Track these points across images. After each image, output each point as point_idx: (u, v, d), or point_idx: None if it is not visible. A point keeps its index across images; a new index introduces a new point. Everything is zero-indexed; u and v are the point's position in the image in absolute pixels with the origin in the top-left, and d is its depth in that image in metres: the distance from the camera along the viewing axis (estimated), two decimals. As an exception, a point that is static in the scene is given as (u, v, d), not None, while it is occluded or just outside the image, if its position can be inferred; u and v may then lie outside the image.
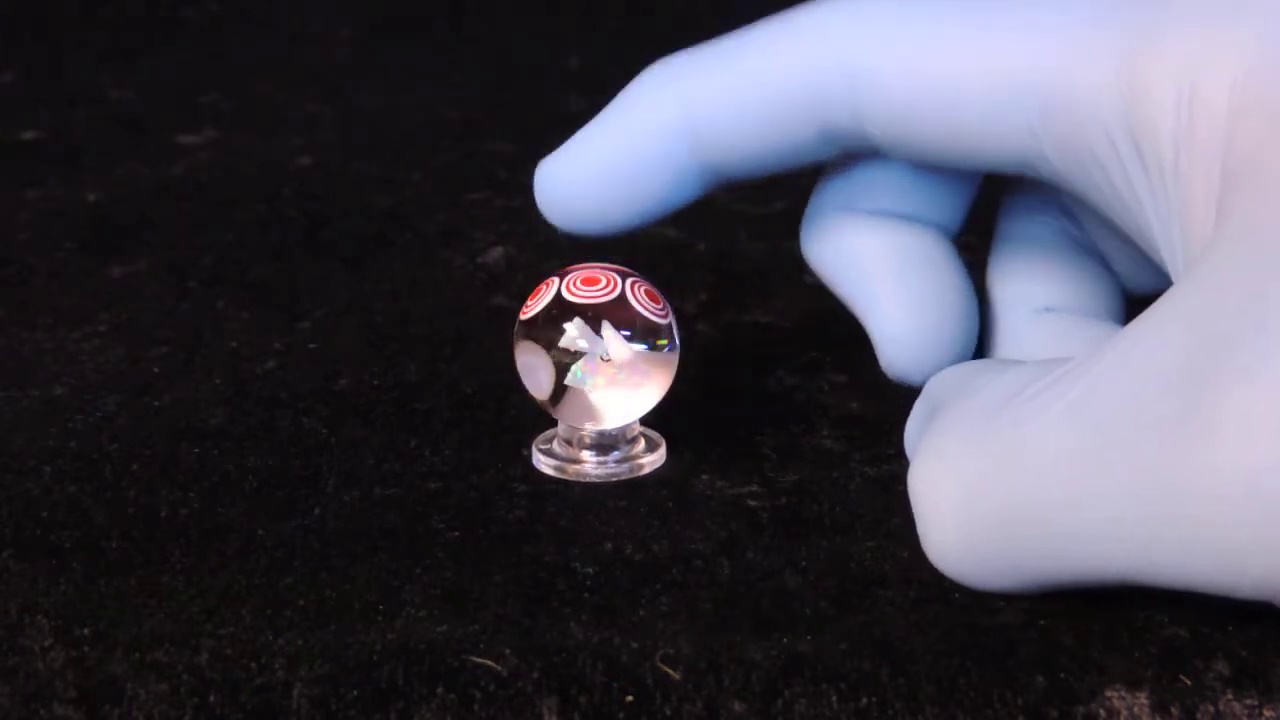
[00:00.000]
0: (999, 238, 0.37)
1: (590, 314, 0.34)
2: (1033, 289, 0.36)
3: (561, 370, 0.34)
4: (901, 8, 0.33)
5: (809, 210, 0.37)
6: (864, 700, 0.28)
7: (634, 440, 0.35)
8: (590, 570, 0.32)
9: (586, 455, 0.35)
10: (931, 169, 0.35)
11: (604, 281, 0.34)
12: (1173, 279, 0.31)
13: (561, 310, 0.34)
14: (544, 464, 0.35)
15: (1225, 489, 0.27)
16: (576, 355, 0.34)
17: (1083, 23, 0.31)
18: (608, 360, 0.34)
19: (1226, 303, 0.27)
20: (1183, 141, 0.30)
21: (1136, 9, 0.31)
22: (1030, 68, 0.31)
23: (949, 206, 0.36)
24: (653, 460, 0.35)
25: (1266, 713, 0.28)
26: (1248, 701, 0.28)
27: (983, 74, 0.32)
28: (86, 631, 0.30)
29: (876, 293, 0.35)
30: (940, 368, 0.35)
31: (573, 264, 0.35)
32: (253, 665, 0.29)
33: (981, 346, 0.36)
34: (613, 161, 0.35)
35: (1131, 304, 0.37)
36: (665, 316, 0.34)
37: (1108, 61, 0.31)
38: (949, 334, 0.35)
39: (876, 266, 0.36)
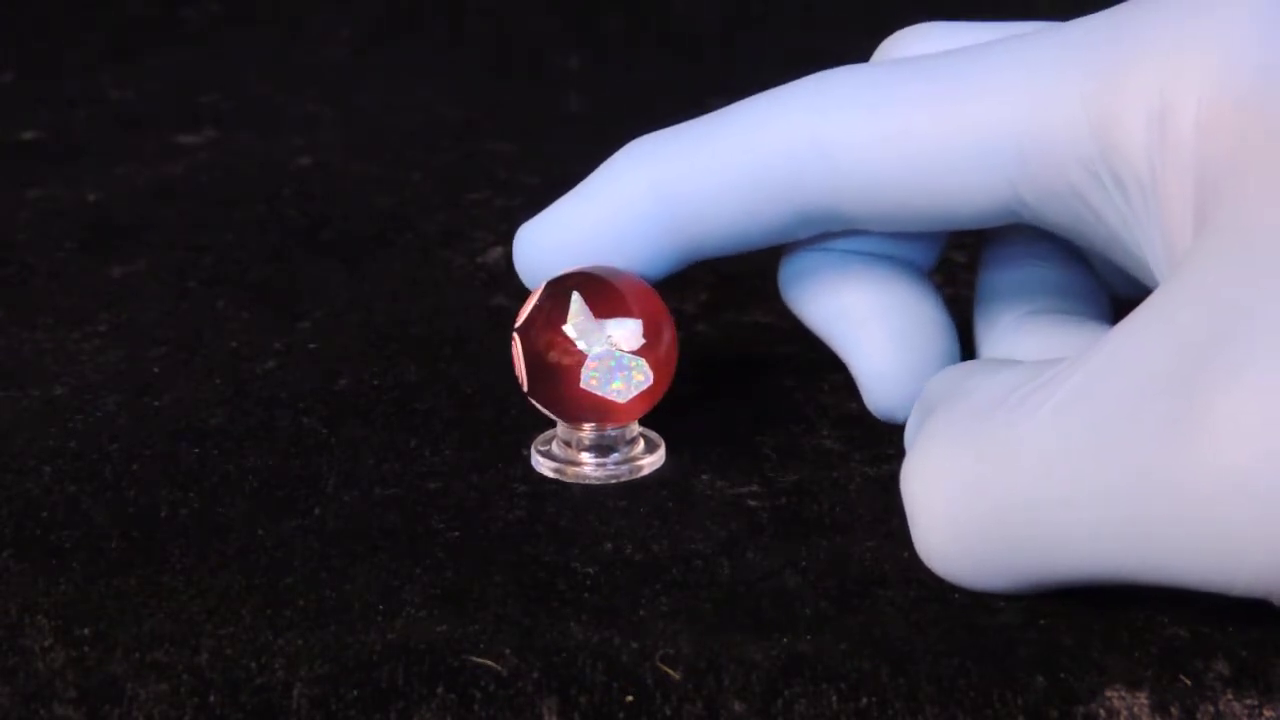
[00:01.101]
0: (988, 243, 0.38)
1: (584, 285, 0.34)
2: (1021, 292, 0.36)
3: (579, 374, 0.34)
4: (870, 81, 0.33)
5: (786, 250, 0.37)
6: (864, 700, 0.28)
7: (633, 441, 0.35)
8: (590, 570, 0.32)
9: (586, 457, 0.35)
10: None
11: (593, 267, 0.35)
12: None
13: (557, 289, 0.34)
14: (543, 466, 0.35)
15: (1217, 487, 0.27)
16: (579, 357, 0.34)
17: (1047, 67, 0.32)
18: (615, 347, 0.34)
19: (1214, 302, 0.28)
20: (1156, 158, 0.30)
21: (1096, 48, 0.31)
22: (1002, 120, 0.32)
23: (924, 244, 0.37)
24: (652, 461, 0.35)
25: (1266, 713, 0.28)
26: (1248, 701, 0.28)
27: (956, 134, 0.32)
28: (86, 631, 0.30)
29: (858, 333, 0.36)
30: None
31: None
32: (253, 665, 0.29)
33: (971, 350, 0.37)
34: (589, 235, 0.35)
35: (1119, 306, 0.37)
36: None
37: (1075, 98, 0.31)
38: (932, 371, 0.35)
39: (856, 307, 0.36)
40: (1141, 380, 0.28)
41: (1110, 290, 0.37)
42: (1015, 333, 0.36)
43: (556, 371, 0.34)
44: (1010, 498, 0.29)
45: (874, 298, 0.36)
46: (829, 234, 0.36)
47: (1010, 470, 0.29)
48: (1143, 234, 0.31)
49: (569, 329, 0.34)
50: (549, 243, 0.35)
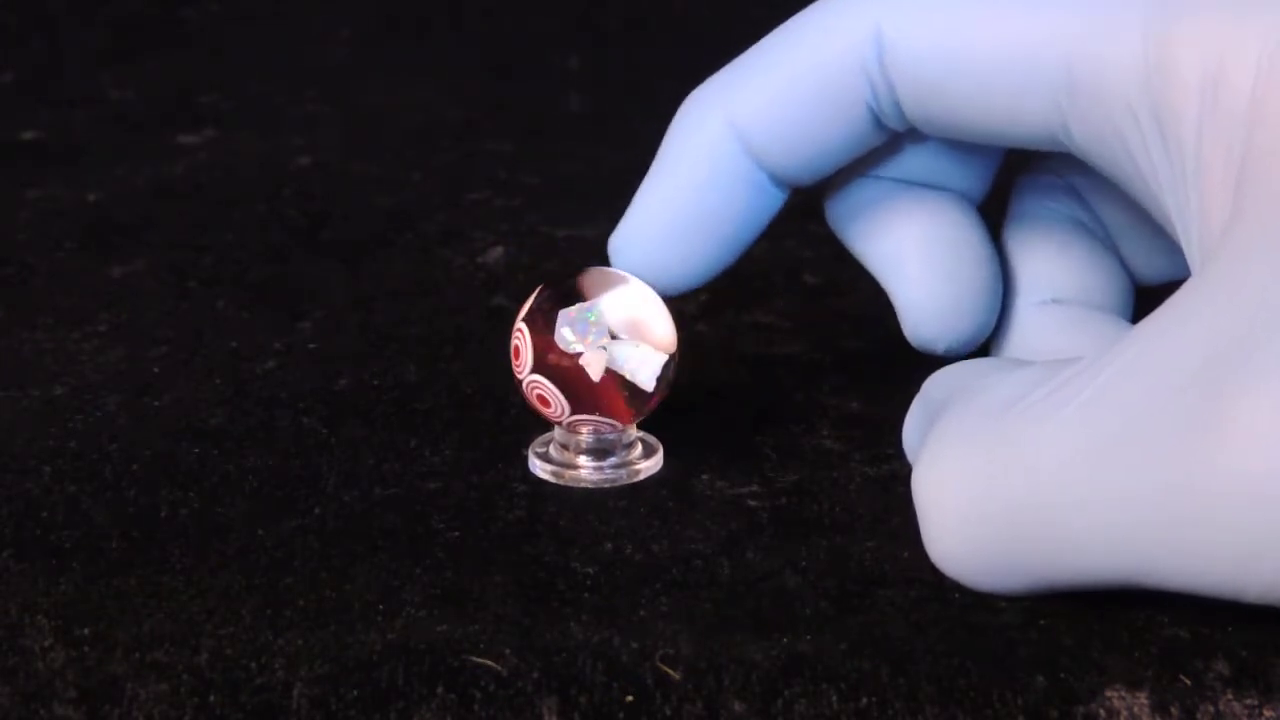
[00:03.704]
0: (1009, 224, 0.37)
1: (582, 283, 0.34)
2: (1041, 277, 0.36)
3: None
4: None
5: (834, 176, 0.36)
6: (864, 700, 0.28)
7: (630, 445, 0.35)
8: (590, 570, 0.32)
9: (583, 460, 0.35)
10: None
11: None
12: (1187, 258, 0.31)
13: (555, 295, 0.34)
14: (540, 469, 0.35)
15: (1234, 493, 0.27)
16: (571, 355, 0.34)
17: None
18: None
19: (1242, 305, 0.27)
20: (1206, 125, 0.29)
21: None
22: (1058, 41, 0.31)
23: (973, 175, 0.36)
24: (649, 465, 0.35)
25: (1266, 713, 0.28)
26: (1248, 701, 0.28)
27: (1011, 46, 0.31)
28: (86, 631, 0.30)
29: (901, 261, 0.35)
30: (961, 334, 0.35)
31: (571, 264, 0.35)
32: (253, 665, 0.29)
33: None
34: (684, 204, 0.34)
35: (1141, 294, 0.37)
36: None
37: (1134, 36, 0.30)
38: (972, 303, 0.35)
39: (901, 234, 0.35)
40: (1166, 383, 0.27)
41: (1134, 277, 0.37)
42: (1030, 321, 0.35)
43: (558, 371, 0.34)
44: (1026, 500, 0.29)
45: (919, 228, 0.35)
46: (878, 161, 0.35)
47: (1027, 472, 0.29)
48: (1178, 200, 0.30)
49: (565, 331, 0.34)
50: (649, 234, 0.34)
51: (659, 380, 0.34)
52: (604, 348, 0.34)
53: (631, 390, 0.34)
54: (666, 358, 0.34)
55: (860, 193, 0.36)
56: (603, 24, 0.68)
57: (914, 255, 0.35)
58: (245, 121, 0.58)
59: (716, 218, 0.34)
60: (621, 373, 0.34)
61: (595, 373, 0.34)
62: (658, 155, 0.34)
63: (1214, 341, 0.27)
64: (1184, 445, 0.27)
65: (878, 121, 0.34)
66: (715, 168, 0.34)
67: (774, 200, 0.34)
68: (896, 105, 0.33)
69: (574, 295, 0.34)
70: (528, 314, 0.34)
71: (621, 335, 0.34)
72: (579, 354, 0.34)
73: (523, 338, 0.34)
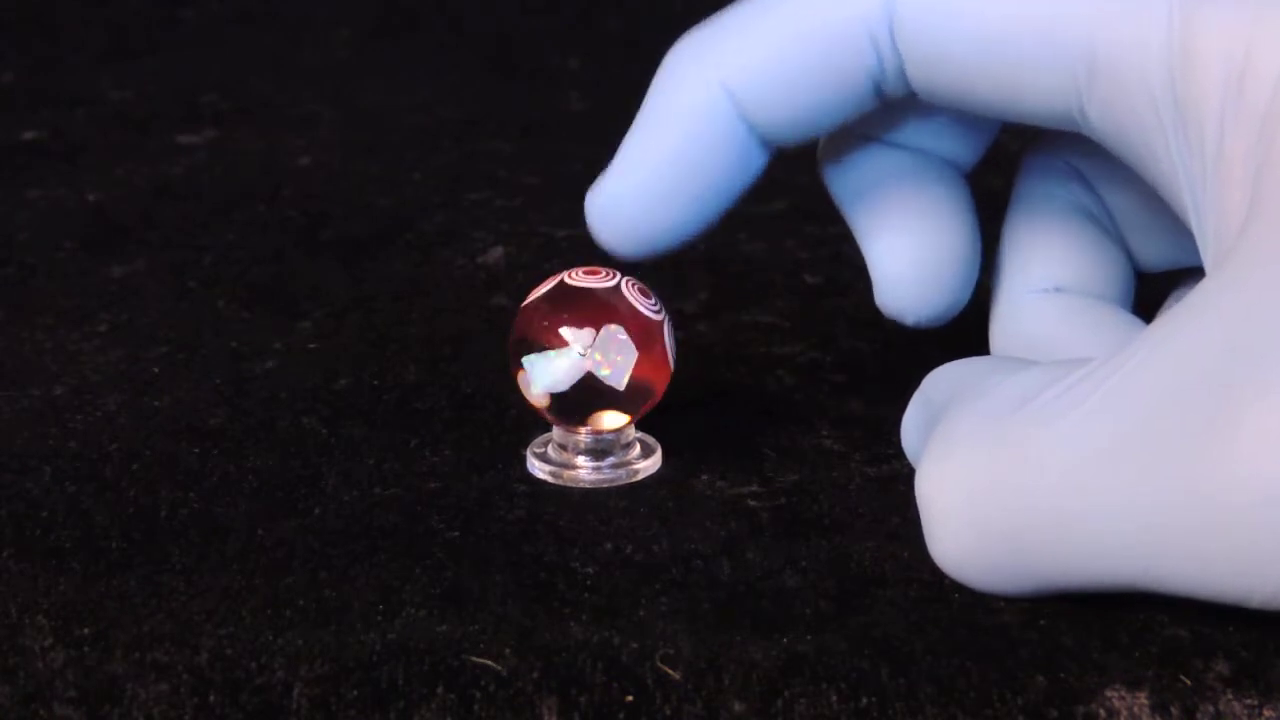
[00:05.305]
0: (1012, 209, 0.37)
1: (591, 301, 0.34)
2: (1043, 265, 0.35)
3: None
4: None
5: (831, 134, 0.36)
6: (864, 700, 0.28)
7: (629, 445, 0.35)
8: (590, 570, 0.32)
9: (581, 461, 0.35)
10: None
11: (603, 273, 0.34)
12: (1200, 250, 0.30)
13: (561, 296, 0.34)
14: (539, 469, 0.35)
15: (1243, 497, 0.26)
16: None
17: None
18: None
19: (1255, 309, 0.27)
20: (1228, 117, 0.29)
21: None
22: (1080, 17, 0.30)
23: (968, 143, 0.36)
24: (648, 466, 0.35)
25: (1266, 713, 0.28)
26: (1248, 701, 0.28)
27: (1031, 20, 0.31)
28: (86, 631, 0.30)
29: (880, 227, 0.35)
30: (933, 308, 0.35)
31: (571, 264, 0.35)
32: (253, 665, 0.29)
33: (986, 321, 0.36)
34: (670, 163, 0.33)
35: (1143, 281, 0.37)
36: (659, 313, 0.34)
37: (1160, 19, 0.29)
38: (947, 277, 0.34)
39: (885, 200, 0.35)
40: (1176, 387, 0.27)
41: (1137, 264, 0.36)
42: (1031, 308, 0.35)
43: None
44: (1032, 503, 0.28)
45: (903, 197, 0.35)
46: (873, 122, 0.35)
47: (1034, 475, 0.28)
48: (1195, 191, 0.30)
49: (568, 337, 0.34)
50: (632, 189, 0.33)
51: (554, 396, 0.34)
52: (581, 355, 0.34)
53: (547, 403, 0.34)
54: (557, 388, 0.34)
55: (852, 154, 0.35)
56: (603, 24, 0.68)
57: (893, 223, 0.35)
58: (245, 121, 0.58)
59: (702, 178, 0.33)
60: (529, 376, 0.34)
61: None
62: (643, 110, 0.33)
63: (1225, 345, 0.27)
64: (1194, 450, 0.27)
65: (877, 90, 0.33)
66: (704, 127, 0.33)
67: (759, 160, 0.34)
68: (902, 75, 0.32)
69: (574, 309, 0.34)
70: (533, 303, 0.34)
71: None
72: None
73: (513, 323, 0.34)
